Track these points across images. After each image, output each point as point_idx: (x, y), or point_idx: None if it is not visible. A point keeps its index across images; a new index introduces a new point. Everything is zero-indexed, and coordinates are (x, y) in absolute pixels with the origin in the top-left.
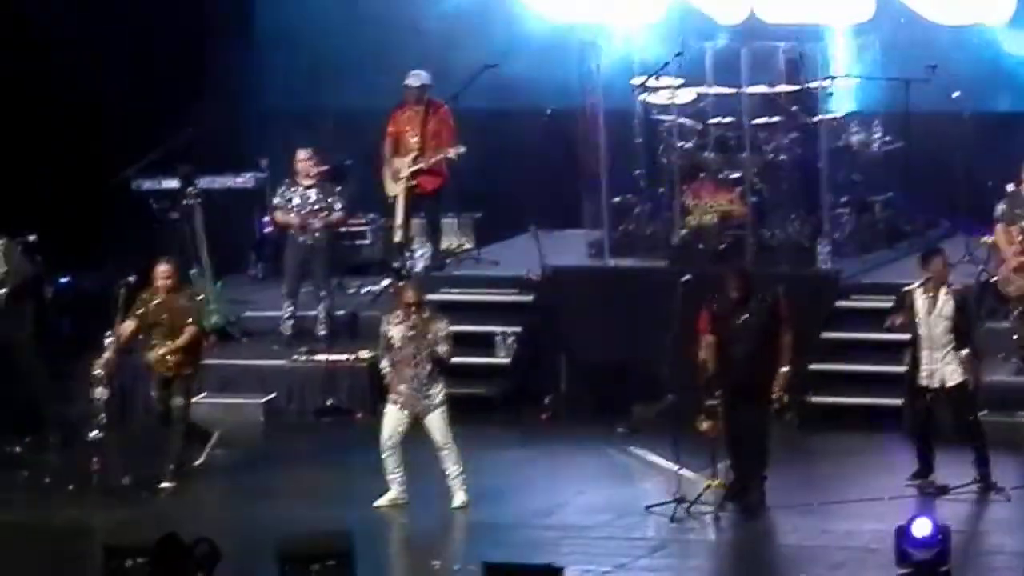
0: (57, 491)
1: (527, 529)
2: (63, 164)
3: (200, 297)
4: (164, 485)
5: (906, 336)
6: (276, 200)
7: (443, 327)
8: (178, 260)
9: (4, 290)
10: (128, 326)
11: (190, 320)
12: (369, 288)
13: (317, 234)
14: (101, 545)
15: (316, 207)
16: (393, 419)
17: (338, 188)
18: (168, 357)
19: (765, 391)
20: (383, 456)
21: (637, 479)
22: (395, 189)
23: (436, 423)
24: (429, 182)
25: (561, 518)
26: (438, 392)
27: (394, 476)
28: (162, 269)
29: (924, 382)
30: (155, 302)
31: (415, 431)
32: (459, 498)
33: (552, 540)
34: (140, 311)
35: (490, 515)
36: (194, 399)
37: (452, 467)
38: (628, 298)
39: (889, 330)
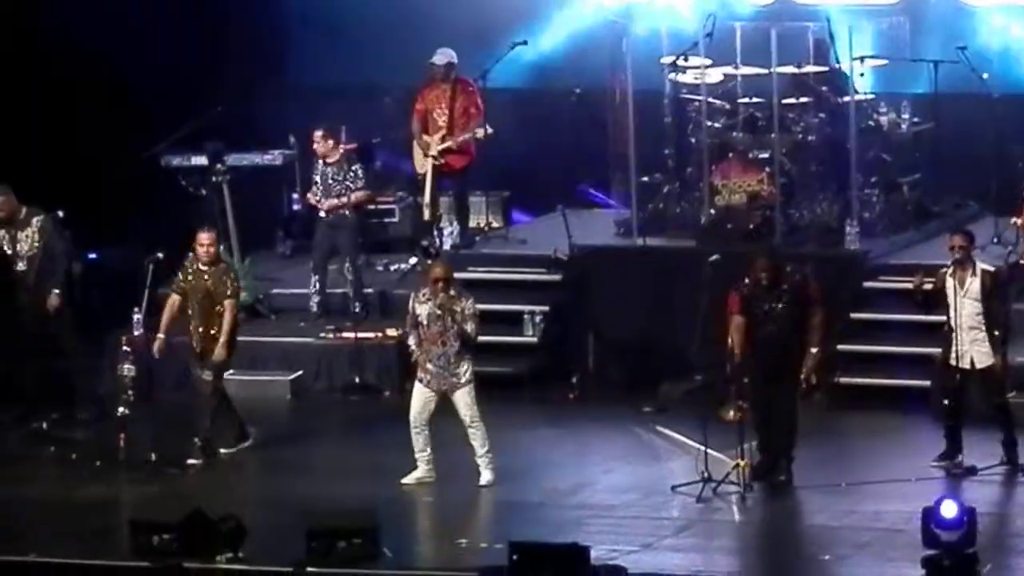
0: (84, 467)
1: (553, 508)
2: (92, 140)
3: (234, 272)
4: (191, 462)
5: (932, 317)
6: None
7: (470, 305)
8: None
9: (22, 266)
10: (174, 301)
11: (228, 294)
12: (397, 266)
13: (342, 212)
14: (128, 521)
15: (335, 187)
16: (421, 398)
17: (357, 167)
18: (203, 331)
19: (794, 372)
20: (412, 434)
21: (664, 458)
22: (423, 166)
23: (463, 401)
24: (457, 160)
25: (588, 497)
26: (465, 370)
27: (422, 454)
28: (204, 237)
29: (954, 362)
30: (194, 272)
31: (443, 409)
32: (486, 476)
33: (578, 519)
34: (182, 283)
35: (517, 494)
36: (228, 373)
37: (479, 445)
38: (656, 277)
39: (915, 292)
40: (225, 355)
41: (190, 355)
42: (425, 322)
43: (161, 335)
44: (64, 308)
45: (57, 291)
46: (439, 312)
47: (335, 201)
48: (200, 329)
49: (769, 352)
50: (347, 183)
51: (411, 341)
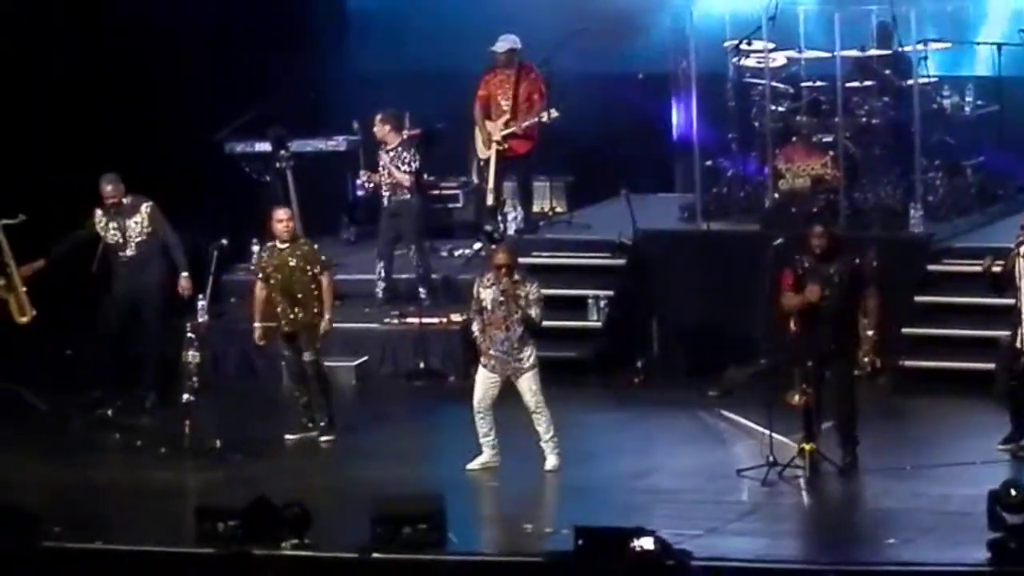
0: (149, 454)
1: (619, 492)
2: (155, 128)
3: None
4: (324, 439)
5: (996, 300)
6: None
7: (534, 290)
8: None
9: (130, 252)
10: (260, 288)
11: (323, 266)
12: (461, 251)
13: (402, 199)
14: (193, 507)
15: (385, 171)
16: (484, 382)
17: (410, 153)
18: (292, 312)
19: (851, 351)
20: (476, 419)
21: (729, 443)
22: (487, 152)
23: (527, 386)
24: (520, 145)
25: (653, 481)
26: (529, 355)
27: (486, 439)
28: (281, 213)
29: (1019, 345)
30: (274, 254)
31: (507, 393)
32: (551, 461)
33: (644, 503)
34: (263, 268)
35: (582, 478)
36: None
37: (544, 431)
38: (720, 262)
39: (985, 274)
40: (330, 327)
41: (278, 339)
42: (489, 307)
43: (257, 324)
44: (157, 296)
45: (186, 274)
46: (502, 297)
47: (374, 176)
48: (289, 310)
49: (824, 329)
50: (398, 166)
51: (474, 327)
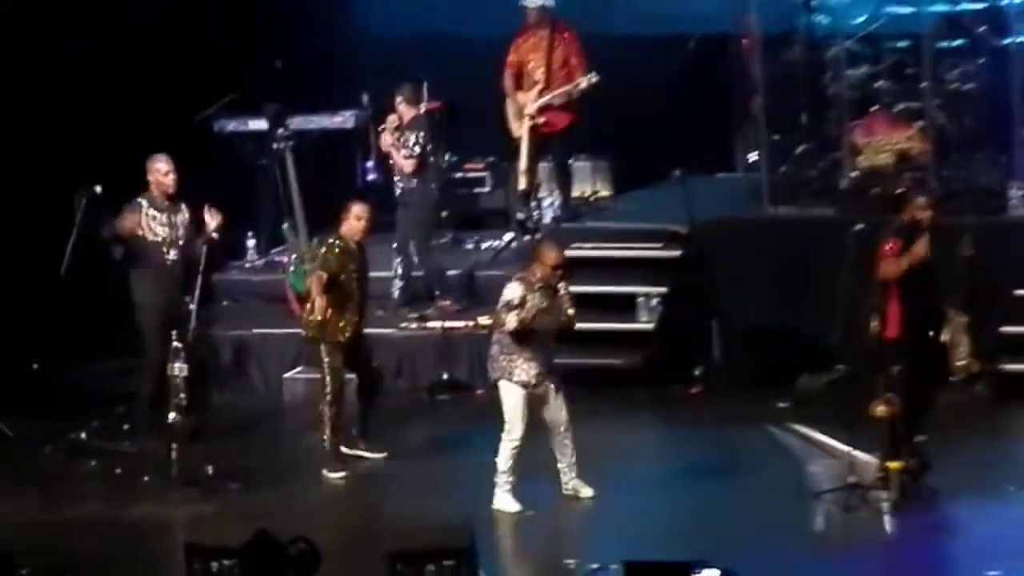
0: (131, 482)
1: (673, 521)
2: (134, 104)
3: None
4: (379, 455)
5: None
6: None
7: (567, 289)
8: (270, 213)
9: (173, 255)
10: (324, 279)
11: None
12: (490, 243)
13: (409, 186)
14: (183, 544)
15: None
16: (525, 405)
17: (413, 133)
18: (357, 317)
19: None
20: (513, 456)
21: (803, 462)
22: (519, 129)
23: (561, 402)
24: (558, 120)
25: (714, 508)
26: (555, 367)
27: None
28: (362, 210)
29: None
30: (345, 252)
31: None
32: (586, 491)
33: (703, 532)
34: (331, 270)
35: (630, 506)
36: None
37: (571, 452)
38: (790, 252)
39: None
40: (348, 322)
41: (330, 353)
42: (532, 314)
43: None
44: None
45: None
46: (546, 305)
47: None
48: (355, 315)
49: (929, 320)
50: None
51: (511, 326)
